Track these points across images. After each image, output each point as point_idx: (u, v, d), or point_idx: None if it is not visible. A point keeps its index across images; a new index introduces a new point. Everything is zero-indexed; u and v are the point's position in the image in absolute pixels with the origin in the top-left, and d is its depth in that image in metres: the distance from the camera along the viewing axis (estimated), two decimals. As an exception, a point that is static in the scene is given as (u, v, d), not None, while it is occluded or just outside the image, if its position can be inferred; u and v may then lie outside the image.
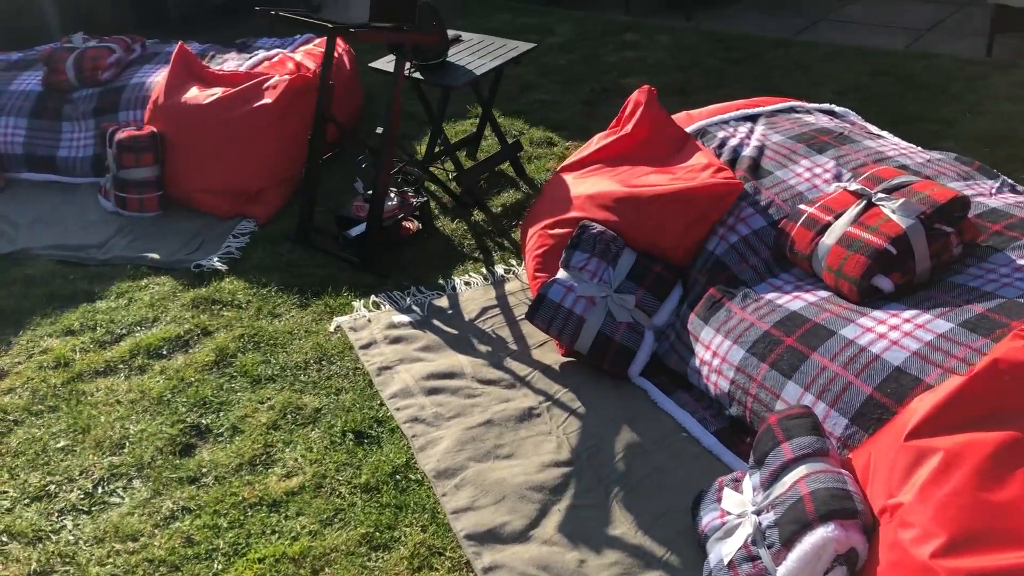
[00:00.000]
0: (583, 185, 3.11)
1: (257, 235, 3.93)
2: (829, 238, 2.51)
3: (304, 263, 3.68)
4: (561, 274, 2.91)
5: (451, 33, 3.99)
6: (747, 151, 3.08)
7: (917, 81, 4.86)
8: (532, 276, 3.10)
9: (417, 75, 3.80)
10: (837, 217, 2.54)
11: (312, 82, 4.11)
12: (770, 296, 2.58)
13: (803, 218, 2.63)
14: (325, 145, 3.76)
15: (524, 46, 3.95)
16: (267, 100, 4.01)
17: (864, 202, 2.51)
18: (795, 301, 2.51)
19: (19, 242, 3.97)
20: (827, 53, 5.40)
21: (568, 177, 3.23)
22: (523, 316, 3.17)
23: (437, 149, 4.15)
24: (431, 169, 3.99)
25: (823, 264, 2.52)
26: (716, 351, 2.54)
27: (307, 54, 4.67)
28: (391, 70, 3.89)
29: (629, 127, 3.20)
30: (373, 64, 4.02)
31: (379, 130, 3.55)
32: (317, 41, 4.89)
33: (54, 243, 3.93)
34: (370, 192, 3.75)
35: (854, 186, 2.57)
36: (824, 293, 2.52)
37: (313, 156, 3.71)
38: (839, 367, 2.21)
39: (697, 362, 2.61)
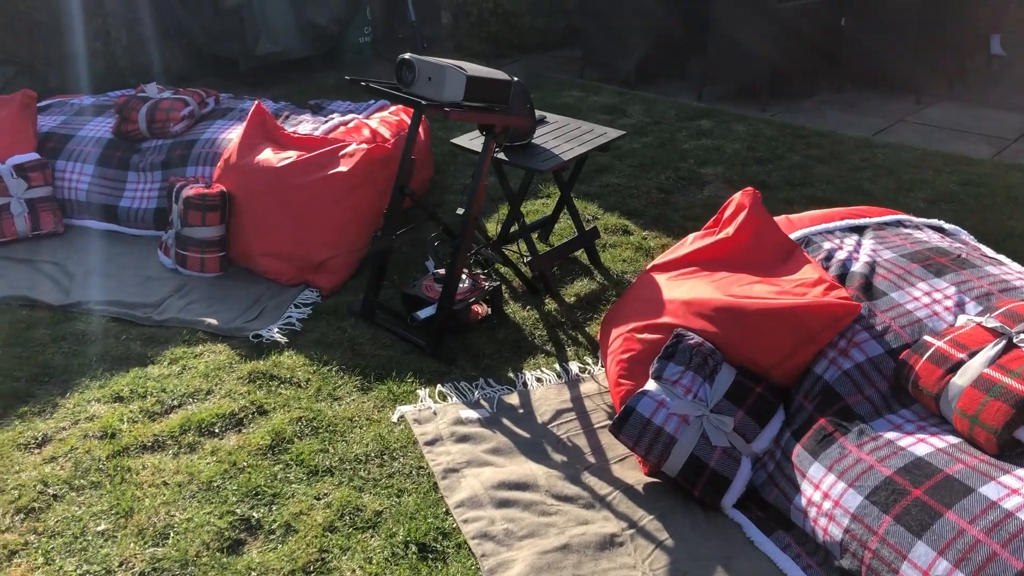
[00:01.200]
0: (678, 289, 2.90)
1: (320, 306, 3.76)
2: (962, 379, 2.27)
3: (368, 342, 3.50)
4: (651, 386, 2.68)
5: (536, 114, 3.85)
6: (857, 267, 2.86)
7: (1015, 194, 4.64)
8: (615, 382, 2.88)
9: (501, 155, 3.65)
10: (972, 355, 2.31)
11: (389, 153, 3.98)
12: (890, 435, 2.33)
13: (930, 352, 2.40)
14: (400, 220, 3.60)
15: (612, 132, 3.80)
16: (342, 168, 3.88)
17: (1004, 341, 2.28)
18: (920, 445, 2.26)
19: (74, 294, 3.83)
20: (912, 158, 5.20)
21: (660, 278, 3.03)
22: (602, 424, 2.94)
23: (512, 229, 3.98)
24: (504, 251, 3.82)
25: (954, 407, 2.27)
26: (828, 492, 2.29)
27: (383, 121, 4.56)
28: (475, 148, 3.76)
29: (730, 230, 3.00)
30: (456, 140, 3.89)
31: (460, 211, 3.39)
32: (392, 108, 4.79)
33: (109, 298, 3.79)
34: (442, 272, 3.58)
35: (991, 323, 2.34)
36: (954, 439, 2.27)
37: (387, 231, 3.55)
38: (981, 532, 1.96)
39: (803, 501, 2.36)
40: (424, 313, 3.43)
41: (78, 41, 6.14)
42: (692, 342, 2.70)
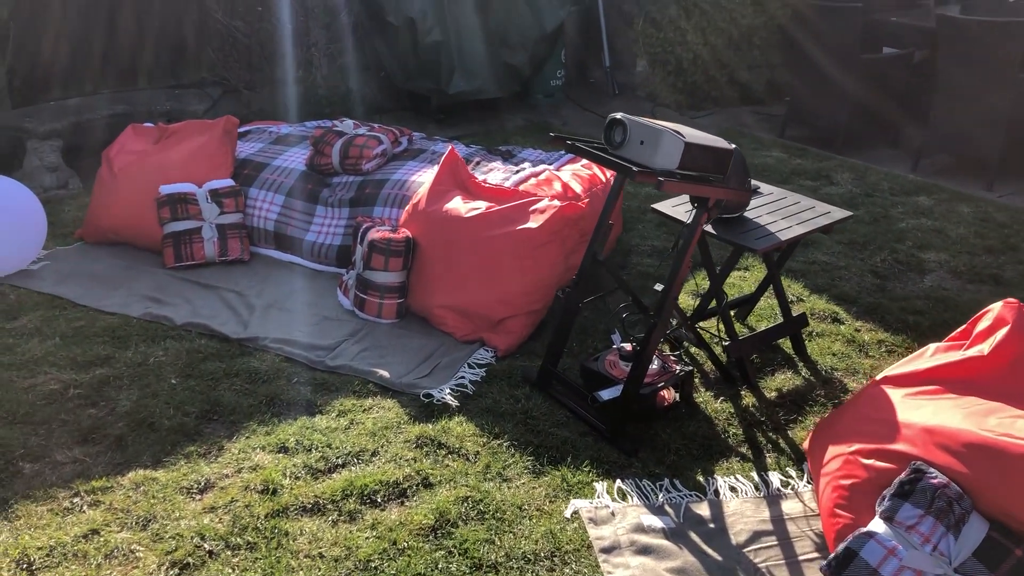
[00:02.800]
0: (917, 411, 2.46)
1: (494, 368, 3.53)
2: None
3: (542, 416, 3.22)
4: (879, 527, 2.26)
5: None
6: None
7: None
8: (830, 511, 2.46)
9: (708, 227, 3.32)
10: None
11: (582, 212, 3.73)
12: None
13: None
14: (589, 288, 3.33)
15: (837, 212, 3.39)
16: (532, 224, 3.66)
17: None
18: None
19: (251, 328, 3.78)
20: None
21: (894, 393, 2.60)
22: (809, 557, 2.53)
23: (710, 305, 3.63)
24: (699, 329, 3.46)
25: None
26: None
27: (574, 175, 4.33)
28: (677, 216, 3.44)
29: (986, 348, 2.53)
30: (658, 207, 3.58)
31: (658, 287, 3.07)
32: (584, 161, 4.55)
33: (285, 336, 3.71)
34: (629, 349, 3.27)
35: None
36: None
37: (575, 298, 3.28)
38: None
39: None
40: (607, 394, 3.13)
41: (283, 68, 6.29)
42: (935, 481, 2.26)
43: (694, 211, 3.12)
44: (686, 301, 4.03)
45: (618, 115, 3.00)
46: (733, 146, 3.00)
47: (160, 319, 3.84)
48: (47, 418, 3.16)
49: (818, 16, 6.37)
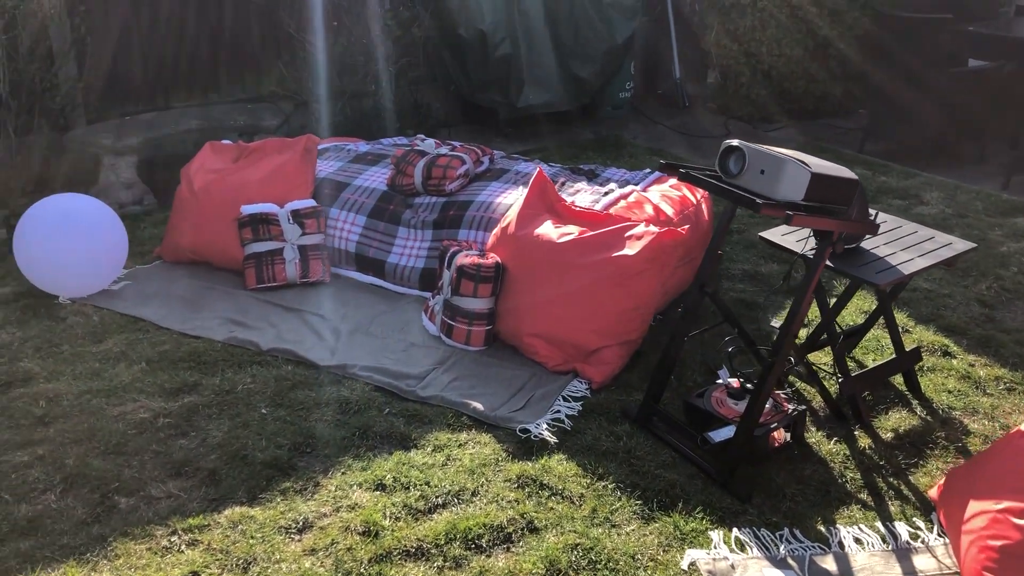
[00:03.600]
0: (1076, 469, 2.28)
1: (590, 402, 3.40)
2: None
3: (646, 456, 3.09)
4: (1042, 597, 2.09)
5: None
6: None
7: None
8: (977, 574, 2.29)
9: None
10: None
11: (682, 239, 3.58)
12: None
13: None
14: (694, 320, 3.19)
15: (960, 244, 3.21)
16: (628, 251, 3.52)
17: None
18: None
19: (339, 355, 3.69)
20: None
21: (1045, 448, 2.42)
22: (952, 622, 2.36)
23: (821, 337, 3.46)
24: (811, 365, 3.30)
25: None
26: None
27: (664, 197, 4.18)
28: (789, 246, 3.28)
29: None
30: (766, 235, 3.43)
31: (774, 323, 2.92)
32: (672, 181, 4.40)
33: (373, 364, 3.61)
34: (737, 386, 3.12)
35: None
36: None
37: (681, 331, 3.14)
38: None
39: None
40: (719, 436, 2.98)
41: (353, 82, 6.23)
42: (1105, 549, 2.08)
43: (814, 243, 2.97)
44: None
45: (735, 142, 2.85)
46: (856, 176, 2.84)
47: (245, 344, 3.77)
48: (139, 449, 3.10)
49: (903, 27, 6.15)
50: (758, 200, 2.63)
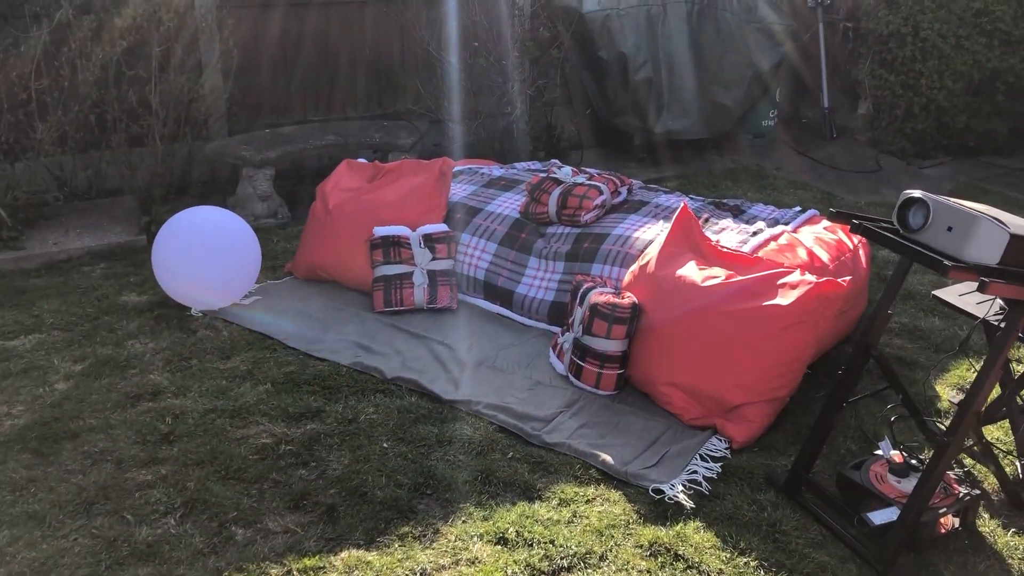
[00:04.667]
0: None
1: (730, 464, 3.14)
2: None
3: (793, 531, 2.80)
4: None
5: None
6: None
7: None
8: None
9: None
10: None
11: (840, 291, 3.28)
12: None
13: None
14: (855, 383, 2.88)
15: None
16: (781, 301, 3.24)
17: None
18: None
19: (463, 388, 3.55)
20: None
21: None
22: None
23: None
24: (987, 442, 2.94)
25: None
26: None
27: (818, 240, 3.88)
28: (968, 308, 2.94)
29: None
30: (941, 294, 3.09)
31: (952, 398, 2.60)
32: (827, 223, 4.09)
33: (498, 401, 3.45)
34: (900, 461, 2.80)
35: None
36: None
37: (840, 395, 2.85)
38: None
39: None
40: (879, 518, 2.67)
41: (488, 102, 6.14)
42: None
43: (999, 307, 2.63)
44: (948, 394, 3.49)
45: (917, 193, 2.56)
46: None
47: (370, 370, 3.68)
48: (259, 476, 3.03)
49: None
50: (946, 262, 2.32)
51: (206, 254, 4.02)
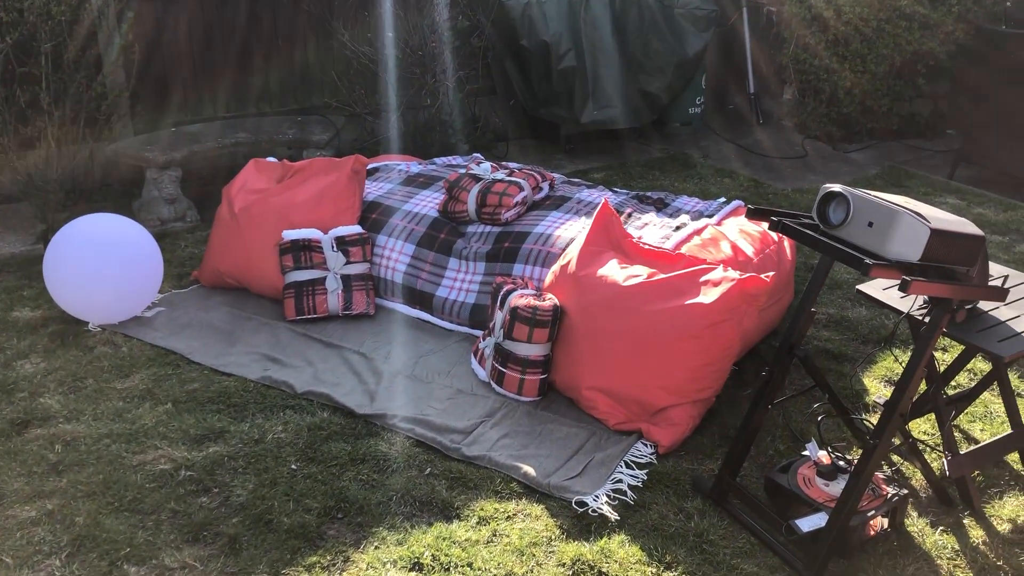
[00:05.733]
0: None
1: (656, 469, 3.03)
2: None
3: (720, 540, 2.70)
4: None
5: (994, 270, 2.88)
6: None
7: None
8: None
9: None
10: None
11: (764, 287, 3.18)
12: None
13: None
14: (781, 386, 2.79)
15: (1097, 307, 2.75)
16: (703, 299, 3.13)
17: None
18: None
19: (379, 401, 3.37)
20: None
21: None
22: None
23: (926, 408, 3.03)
24: (913, 440, 2.87)
25: None
26: None
27: (743, 233, 3.79)
28: (892, 303, 2.86)
29: None
30: (864, 288, 3.01)
31: (878, 398, 2.51)
32: (751, 214, 3.99)
33: (416, 414, 3.29)
34: (828, 463, 2.71)
35: None
36: None
37: (765, 398, 2.75)
38: None
39: None
40: (808, 525, 2.58)
41: (408, 94, 5.93)
42: None
43: (923, 301, 2.55)
44: (876, 387, 3.43)
45: (836, 187, 2.45)
46: (981, 232, 2.42)
47: (279, 385, 3.47)
48: (156, 506, 2.81)
49: (1007, 42, 5.63)
50: (867, 260, 2.22)
51: (101, 264, 3.75)
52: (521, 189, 4.04)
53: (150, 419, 3.25)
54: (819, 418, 2.88)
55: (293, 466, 3.01)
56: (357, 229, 4.05)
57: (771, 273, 3.22)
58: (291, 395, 3.43)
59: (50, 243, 3.80)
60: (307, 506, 2.82)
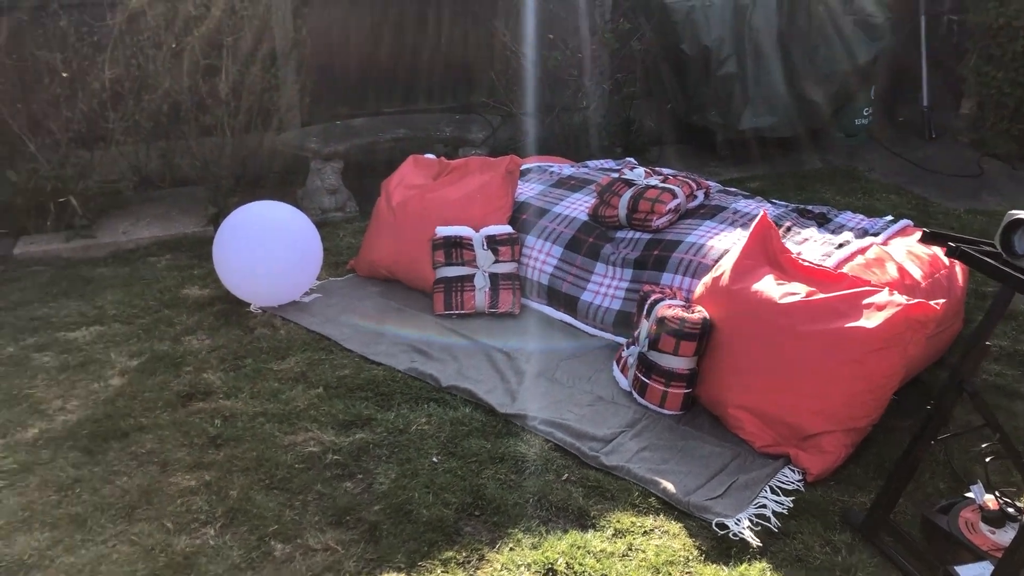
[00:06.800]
0: None
1: (803, 497, 2.90)
2: None
3: (870, 580, 2.55)
4: None
5: None
6: None
7: None
8: None
9: None
10: None
11: (933, 315, 2.98)
12: None
13: None
14: (947, 420, 2.61)
15: None
16: (866, 323, 2.97)
17: None
18: None
19: (520, 401, 3.39)
20: None
21: None
22: None
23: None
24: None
25: None
26: None
27: (910, 255, 3.57)
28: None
29: None
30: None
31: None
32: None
33: (556, 417, 3.28)
34: (995, 508, 2.52)
35: None
36: None
37: (928, 434, 2.58)
38: None
39: None
40: (970, 573, 2.40)
41: (564, 96, 5.94)
42: None
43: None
44: (1053, 433, 3.16)
45: (1022, 214, 2.27)
46: None
47: (425, 377, 3.55)
48: (303, 486, 2.93)
49: None
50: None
51: (266, 250, 3.95)
52: (675, 196, 3.96)
53: (302, 401, 3.39)
54: (987, 459, 2.67)
55: (434, 459, 3.06)
56: (507, 229, 4.08)
57: (941, 301, 3.02)
58: (435, 388, 3.49)
59: (220, 227, 4.02)
60: (446, 500, 2.86)
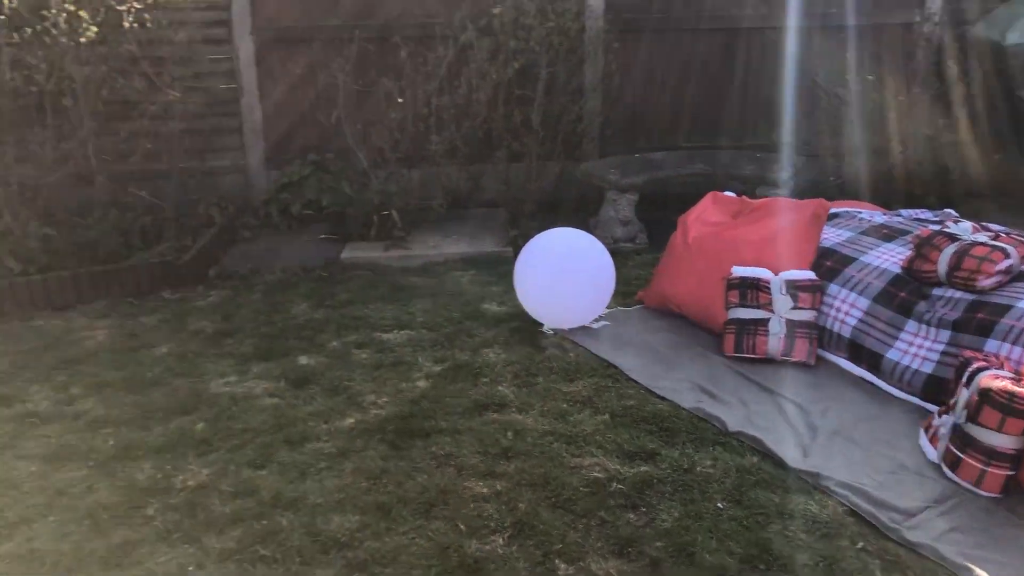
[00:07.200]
0: None
1: None
2: None
3: None
4: None
5: None
6: None
7: None
8: None
9: None
10: None
11: None
12: None
13: None
14: None
15: None
16: None
17: None
18: None
19: (812, 458, 3.23)
20: None
21: None
22: None
23: None
24: None
25: None
26: None
27: None
28: None
29: None
30: None
31: None
32: None
33: (851, 481, 3.08)
34: None
35: None
36: None
37: None
38: None
39: None
40: None
41: (875, 138, 5.62)
42: None
43: None
44: None
45: None
46: None
47: (711, 418, 3.49)
48: (587, 511, 2.98)
49: None
50: None
51: (563, 275, 4.09)
52: (1007, 256, 3.60)
53: (589, 426, 3.46)
54: None
55: (719, 504, 3.00)
56: (810, 275, 3.93)
57: None
58: (721, 431, 3.42)
59: (523, 249, 4.22)
60: (730, 548, 2.79)
